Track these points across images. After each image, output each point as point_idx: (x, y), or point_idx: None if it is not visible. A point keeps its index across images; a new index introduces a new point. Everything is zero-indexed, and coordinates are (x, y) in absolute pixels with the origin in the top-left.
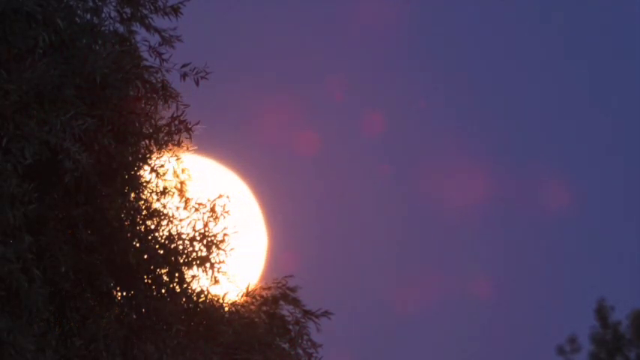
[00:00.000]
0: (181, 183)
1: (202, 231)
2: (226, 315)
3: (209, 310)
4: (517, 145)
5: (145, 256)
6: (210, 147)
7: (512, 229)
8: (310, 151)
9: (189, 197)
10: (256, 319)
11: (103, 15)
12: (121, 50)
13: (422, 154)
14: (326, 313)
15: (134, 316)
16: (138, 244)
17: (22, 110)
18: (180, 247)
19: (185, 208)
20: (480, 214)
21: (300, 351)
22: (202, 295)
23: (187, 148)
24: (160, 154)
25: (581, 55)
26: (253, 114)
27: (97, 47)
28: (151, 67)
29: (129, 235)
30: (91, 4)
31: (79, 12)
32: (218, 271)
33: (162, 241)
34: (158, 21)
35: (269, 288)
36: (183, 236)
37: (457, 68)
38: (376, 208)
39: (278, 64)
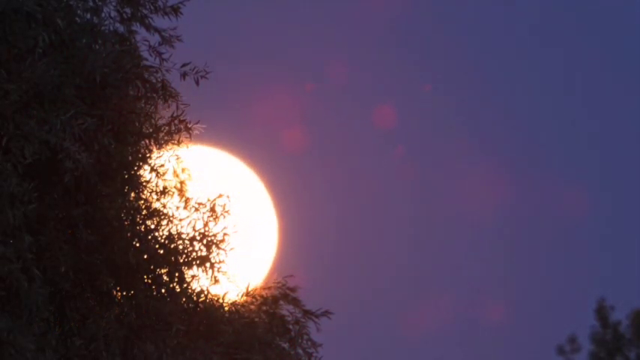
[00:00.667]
0: (181, 183)
1: (202, 231)
2: (226, 315)
3: (209, 309)
4: (518, 149)
5: (145, 256)
6: (220, 139)
7: (512, 228)
8: (314, 145)
9: (189, 197)
10: (256, 319)
11: (103, 15)
12: (121, 50)
13: (430, 155)
14: (326, 313)
15: (134, 316)
16: (138, 244)
17: (22, 110)
18: (180, 246)
19: (185, 207)
20: (480, 214)
21: (300, 351)
22: (202, 295)
23: (187, 146)
24: (160, 153)
25: (606, 57)
26: (263, 106)
27: (97, 47)
28: (151, 66)
29: (129, 234)
30: (91, 3)
31: (78, 12)
32: (218, 271)
33: (162, 240)
34: (158, 21)
35: (269, 288)
36: (183, 236)
37: (470, 66)
38: (379, 208)
39: (286, 55)
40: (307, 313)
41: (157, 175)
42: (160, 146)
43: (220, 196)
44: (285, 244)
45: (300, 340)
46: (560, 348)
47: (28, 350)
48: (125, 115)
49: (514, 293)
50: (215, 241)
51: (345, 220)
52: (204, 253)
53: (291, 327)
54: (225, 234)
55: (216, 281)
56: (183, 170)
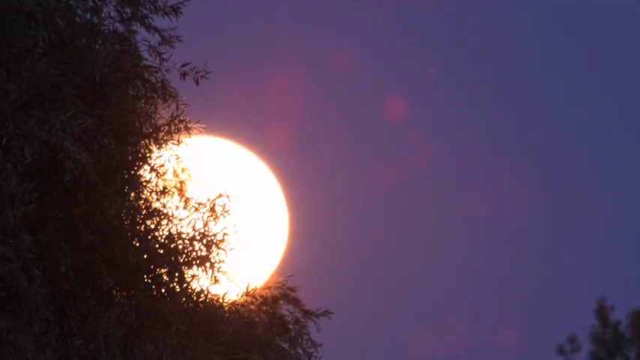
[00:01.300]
0: (181, 182)
1: (202, 230)
2: (226, 315)
3: (209, 309)
4: (518, 149)
5: (145, 256)
6: (230, 131)
7: (512, 228)
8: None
9: (189, 197)
10: (256, 319)
11: (103, 14)
12: (121, 50)
13: (438, 157)
14: (326, 313)
15: (134, 316)
16: (138, 244)
17: (21, 109)
18: (180, 246)
19: (185, 207)
20: (480, 214)
21: (300, 350)
22: (202, 295)
23: (191, 137)
24: (160, 153)
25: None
26: (272, 97)
27: (97, 47)
28: (151, 66)
29: (129, 234)
30: (90, 3)
31: (78, 11)
32: (218, 271)
33: (162, 240)
34: (158, 21)
35: (269, 288)
36: (183, 236)
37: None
38: (381, 208)
39: (295, 45)
40: (307, 313)
41: (157, 175)
42: (159, 146)
43: (220, 195)
44: (294, 239)
45: (300, 340)
46: (560, 348)
47: (28, 350)
48: (125, 114)
49: (514, 293)
50: (215, 241)
51: (346, 219)
52: (204, 253)
53: (291, 327)
54: (225, 234)
55: (216, 281)
56: (183, 170)
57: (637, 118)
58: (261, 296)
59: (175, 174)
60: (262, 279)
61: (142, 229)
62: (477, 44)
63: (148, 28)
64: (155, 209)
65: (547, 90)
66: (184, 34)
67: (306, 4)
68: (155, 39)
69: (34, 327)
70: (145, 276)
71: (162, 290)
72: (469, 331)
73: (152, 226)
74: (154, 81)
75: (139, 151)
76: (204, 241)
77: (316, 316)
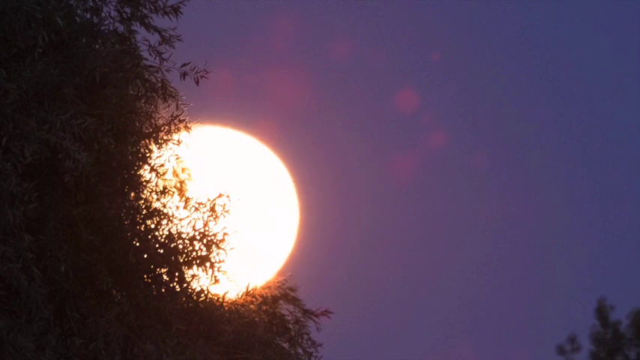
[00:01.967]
0: (181, 182)
1: (202, 230)
2: (226, 314)
3: (209, 309)
4: (519, 148)
5: (145, 256)
6: (240, 121)
7: (512, 228)
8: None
9: (189, 197)
10: (256, 319)
11: (103, 14)
12: (121, 49)
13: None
14: (326, 313)
15: (134, 316)
16: (138, 244)
17: (21, 109)
18: (180, 246)
19: (185, 207)
20: (480, 214)
21: (300, 350)
22: (202, 295)
23: (187, 145)
24: (160, 152)
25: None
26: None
27: (97, 46)
28: (151, 66)
29: (129, 234)
30: (90, 3)
31: (78, 11)
32: (218, 271)
33: (162, 240)
34: (158, 20)
35: (269, 287)
36: (183, 235)
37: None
38: (383, 206)
39: (299, 36)
40: (307, 313)
41: (157, 175)
42: (159, 146)
43: (220, 195)
44: (303, 234)
45: (300, 340)
46: (560, 348)
47: (28, 349)
48: (125, 114)
49: (514, 293)
50: (215, 241)
51: (347, 218)
52: (204, 253)
53: (291, 327)
54: (225, 234)
55: (216, 281)
56: (183, 170)
57: (637, 118)
58: (261, 296)
59: (175, 174)
60: (271, 273)
61: (142, 228)
62: (480, 33)
63: (148, 27)
64: (155, 209)
65: (555, 83)
66: (185, 31)
67: None
68: (155, 39)
69: (34, 326)
70: (145, 276)
71: (162, 290)
72: (469, 331)
73: (152, 226)
74: (154, 81)
75: (139, 151)
76: (204, 241)
77: (316, 316)
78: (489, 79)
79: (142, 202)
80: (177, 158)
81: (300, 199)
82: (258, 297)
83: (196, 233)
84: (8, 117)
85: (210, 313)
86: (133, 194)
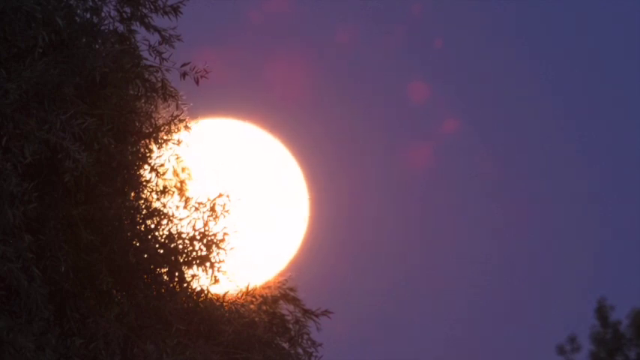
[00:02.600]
0: (181, 182)
1: (202, 230)
2: (226, 314)
3: (209, 309)
4: (519, 146)
5: (145, 256)
6: (250, 113)
7: (512, 228)
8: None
9: (189, 196)
10: (256, 319)
11: (103, 14)
12: (121, 49)
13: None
14: (326, 312)
15: (134, 316)
16: (138, 244)
17: (21, 109)
18: (180, 246)
19: (185, 207)
20: (480, 213)
21: (301, 350)
22: (202, 295)
23: (187, 145)
24: (160, 152)
25: None
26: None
27: (97, 46)
28: (151, 66)
29: (129, 234)
30: (90, 3)
31: (78, 11)
32: (218, 271)
33: (162, 240)
34: (158, 20)
35: (269, 287)
36: (183, 235)
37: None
38: (385, 205)
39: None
40: (307, 313)
41: (156, 175)
42: (159, 146)
43: (220, 195)
44: (310, 233)
45: (300, 340)
46: (560, 348)
47: (28, 349)
48: (125, 114)
49: (514, 293)
50: (215, 240)
51: (347, 218)
52: (204, 253)
53: (291, 326)
54: (225, 233)
55: (216, 281)
56: (183, 170)
57: (637, 118)
58: (261, 296)
59: (175, 174)
60: (273, 273)
61: (142, 228)
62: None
63: (148, 27)
64: (155, 209)
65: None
66: (186, 28)
67: None
68: (155, 38)
69: (34, 326)
70: (145, 276)
71: (162, 290)
72: (469, 331)
73: (152, 226)
74: (154, 80)
75: (138, 151)
76: (204, 241)
77: (316, 316)
78: (491, 67)
79: (142, 202)
80: (177, 158)
81: (311, 190)
82: (258, 297)
83: (196, 233)
84: (8, 117)
85: (210, 313)
86: (133, 194)
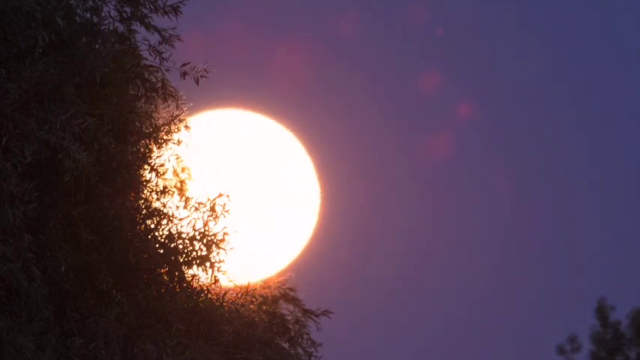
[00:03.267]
0: (181, 182)
1: (202, 230)
2: (226, 314)
3: (209, 309)
4: (519, 146)
5: (145, 256)
6: (261, 104)
7: (512, 228)
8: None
9: (189, 196)
10: (256, 319)
11: (103, 14)
12: (121, 49)
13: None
14: (326, 313)
15: (134, 316)
16: (138, 244)
17: (21, 109)
18: (180, 246)
19: (185, 207)
20: (480, 213)
21: (301, 350)
22: (202, 295)
23: (187, 145)
24: (160, 152)
25: None
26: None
27: (97, 46)
28: (151, 66)
29: (129, 234)
30: (90, 3)
31: (78, 11)
32: (218, 270)
33: (162, 240)
34: (158, 20)
35: (269, 287)
36: (183, 235)
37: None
38: (387, 205)
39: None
40: (307, 313)
41: (156, 175)
42: (159, 146)
43: (220, 195)
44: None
45: (300, 340)
46: (560, 347)
47: (28, 349)
48: (125, 114)
49: (514, 293)
50: (215, 240)
51: (348, 217)
52: (204, 253)
53: (291, 326)
54: (225, 233)
55: (216, 281)
56: (183, 170)
57: (637, 119)
58: (261, 296)
59: (175, 174)
60: (273, 272)
61: (142, 228)
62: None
63: (148, 27)
64: (155, 209)
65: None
66: (184, 32)
67: None
68: (155, 38)
69: (34, 326)
70: (145, 276)
71: (162, 290)
72: (470, 331)
73: (152, 226)
74: (154, 80)
75: (138, 151)
76: (204, 241)
77: (316, 316)
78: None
79: (142, 202)
80: (177, 158)
81: (321, 179)
82: (258, 297)
83: (196, 233)
84: (8, 117)
85: (210, 313)
86: (133, 194)
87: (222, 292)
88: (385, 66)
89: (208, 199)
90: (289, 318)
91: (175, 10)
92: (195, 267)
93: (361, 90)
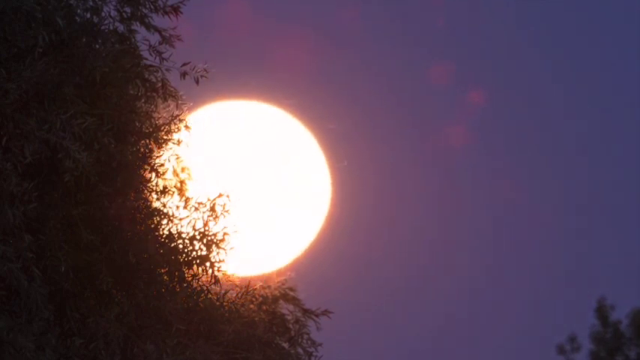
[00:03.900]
0: (181, 182)
1: (202, 230)
2: (226, 314)
3: (209, 309)
4: (520, 145)
5: (145, 256)
6: (271, 95)
7: (512, 228)
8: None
9: (189, 196)
10: (256, 318)
11: (103, 14)
12: (121, 49)
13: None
14: (326, 313)
15: (134, 316)
16: (138, 244)
17: (21, 109)
18: (180, 246)
19: (185, 207)
20: (479, 213)
21: (301, 350)
22: (202, 295)
23: (187, 145)
24: (160, 152)
25: None
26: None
27: (97, 46)
28: (151, 66)
29: (129, 234)
30: (90, 3)
31: (78, 11)
32: (218, 270)
33: (162, 240)
34: (158, 20)
35: (269, 287)
36: (183, 235)
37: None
38: (387, 205)
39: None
40: (307, 313)
41: (156, 175)
42: (159, 146)
43: (220, 195)
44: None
45: (300, 340)
46: (560, 347)
47: (28, 349)
48: (125, 114)
49: (514, 293)
50: (215, 240)
51: (351, 217)
52: (204, 253)
53: (291, 326)
54: (225, 233)
55: (216, 280)
56: (183, 170)
57: (637, 119)
58: (261, 296)
59: (175, 174)
60: (274, 272)
61: (142, 228)
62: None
63: (148, 27)
64: (155, 209)
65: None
66: (184, 32)
67: None
68: (155, 38)
69: (34, 326)
70: (145, 276)
71: (162, 290)
72: (470, 331)
73: (152, 226)
74: (154, 80)
75: (138, 151)
76: (204, 241)
77: (316, 315)
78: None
79: (142, 201)
80: (177, 158)
81: (332, 177)
82: (258, 297)
83: (196, 233)
84: (8, 117)
85: (210, 313)
86: (133, 194)
87: (222, 292)
88: (394, 59)
89: (208, 199)
90: (289, 318)
91: (175, 10)
92: (195, 267)
93: (369, 84)
